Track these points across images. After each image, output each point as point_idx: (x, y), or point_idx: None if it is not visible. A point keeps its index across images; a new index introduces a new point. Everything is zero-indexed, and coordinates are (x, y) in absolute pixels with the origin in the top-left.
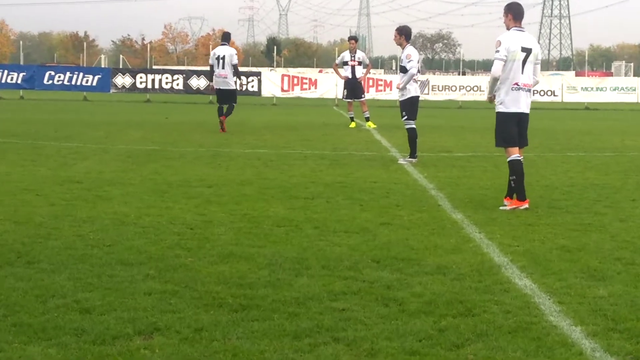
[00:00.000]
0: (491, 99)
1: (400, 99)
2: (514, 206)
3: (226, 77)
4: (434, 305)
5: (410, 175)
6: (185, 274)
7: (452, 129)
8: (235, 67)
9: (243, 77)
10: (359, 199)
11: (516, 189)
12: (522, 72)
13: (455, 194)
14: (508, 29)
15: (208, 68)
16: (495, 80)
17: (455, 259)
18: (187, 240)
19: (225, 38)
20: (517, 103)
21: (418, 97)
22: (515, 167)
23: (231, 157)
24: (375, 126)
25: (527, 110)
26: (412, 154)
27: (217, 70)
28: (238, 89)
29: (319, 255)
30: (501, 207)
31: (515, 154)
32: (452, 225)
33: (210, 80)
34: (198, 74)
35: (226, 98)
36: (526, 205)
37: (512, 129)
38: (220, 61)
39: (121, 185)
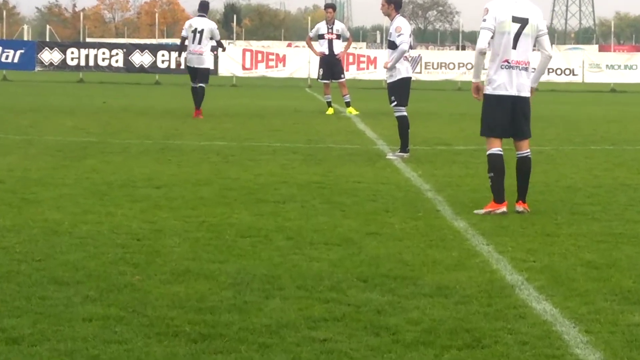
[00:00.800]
0: (478, 86)
1: (388, 81)
2: (489, 209)
3: (202, 54)
4: (435, 334)
5: (401, 173)
6: (132, 296)
7: (451, 116)
8: (219, 42)
9: None
10: (340, 203)
11: (494, 189)
12: (515, 47)
13: (456, 197)
14: None
15: (170, 41)
16: (481, 55)
17: (459, 278)
18: (134, 253)
19: (203, 8)
20: (508, 84)
21: (410, 78)
22: (495, 163)
23: (184, 151)
24: (357, 113)
25: (523, 93)
26: (403, 148)
27: (192, 46)
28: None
29: (293, 272)
30: (475, 211)
31: (496, 146)
32: (454, 235)
33: (179, 55)
34: (142, 48)
35: (197, 77)
36: (504, 209)
37: (499, 115)
38: (197, 35)
39: (52, 186)
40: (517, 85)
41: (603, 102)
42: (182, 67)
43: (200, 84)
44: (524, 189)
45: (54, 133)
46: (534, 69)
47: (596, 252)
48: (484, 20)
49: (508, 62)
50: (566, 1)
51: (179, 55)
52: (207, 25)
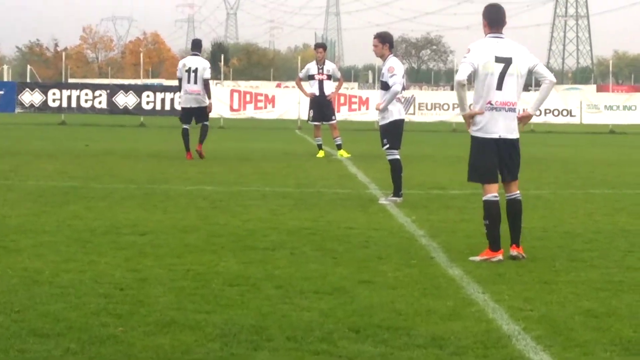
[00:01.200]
0: (469, 115)
1: (380, 123)
2: (485, 257)
3: (199, 94)
4: None
5: (394, 219)
6: (115, 348)
7: (446, 159)
8: (206, 82)
9: None
10: (332, 250)
11: (489, 236)
12: (501, 88)
13: (451, 243)
14: (485, 36)
15: (155, 81)
16: (461, 88)
17: (454, 328)
18: (117, 304)
19: (196, 46)
20: (493, 126)
21: (403, 120)
22: (490, 209)
23: (170, 196)
24: (349, 155)
25: (510, 135)
26: (397, 192)
27: (187, 86)
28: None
29: (283, 322)
30: (470, 258)
31: (491, 192)
32: (449, 283)
33: (178, 96)
34: (126, 89)
35: (197, 117)
36: (500, 257)
37: (487, 159)
38: (192, 74)
39: (32, 233)
40: (503, 127)
41: (602, 143)
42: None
43: (204, 123)
44: (516, 232)
45: (34, 177)
46: (525, 110)
47: (595, 301)
48: (465, 57)
49: (491, 104)
50: (563, 40)
51: (180, 97)
52: (201, 64)
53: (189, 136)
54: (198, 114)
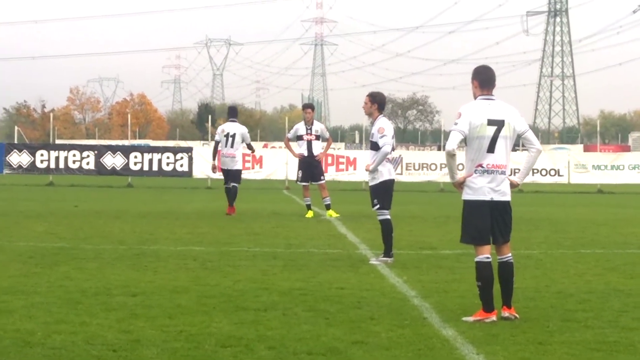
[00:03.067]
0: (459, 182)
1: (370, 184)
2: (479, 318)
3: (234, 157)
4: None
5: (386, 279)
6: None
7: (435, 219)
8: (249, 145)
9: (170, 154)
10: (324, 311)
11: (482, 297)
12: (493, 151)
13: (444, 304)
14: (475, 98)
15: (142, 142)
16: (450, 157)
17: None
18: None
19: (233, 113)
20: (486, 189)
21: (393, 180)
22: (483, 271)
23: (160, 256)
24: (338, 215)
25: (503, 198)
26: (387, 252)
27: (225, 149)
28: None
29: None
30: (464, 318)
31: (484, 253)
32: (443, 344)
33: (214, 158)
34: (113, 150)
35: (232, 178)
36: (493, 318)
37: (478, 221)
38: (230, 139)
39: (23, 295)
40: (495, 189)
41: (590, 203)
42: (215, 171)
43: (234, 184)
44: (508, 294)
45: (24, 238)
46: (517, 169)
47: None
48: (456, 123)
49: (482, 167)
50: (549, 100)
51: (213, 159)
52: (239, 130)
53: (230, 193)
54: (232, 176)
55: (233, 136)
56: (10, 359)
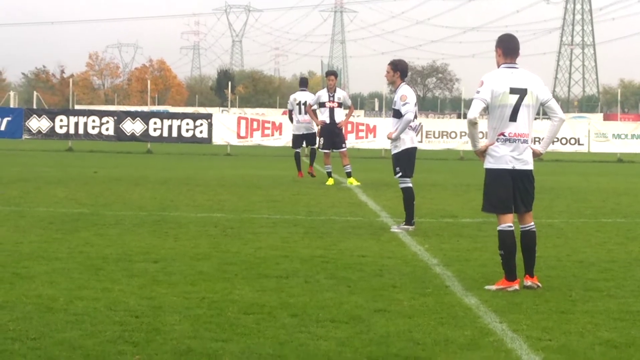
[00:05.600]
0: (481, 151)
1: (392, 152)
2: (501, 286)
3: (309, 123)
4: None
5: (407, 247)
6: None
7: (455, 187)
8: (314, 111)
9: (190, 121)
10: (346, 279)
11: (505, 266)
12: (515, 120)
13: (465, 272)
14: (498, 66)
15: (162, 108)
16: (472, 126)
17: (473, 357)
18: (132, 332)
19: (303, 83)
20: (508, 158)
21: (415, 148)
22: (505, 240)
23: (180, 223)
24: (359, 183)
25: (525, 166)
26: (409, 220)
27: (299, 116)
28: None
29: (300, 351)
30: (486, 287)
31: (506, 222)
32: (466, 312)
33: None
34: (133, 116)
35: (308, 141)
36: (516, 287)
37: (500, 190)
38: (302, 107)
39: (45, 260)
40: (517, 158)
41: (611, 172)
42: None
43: (313, 147)
44: (530, 263)
45: (45, 204)
46: (539, 138)
47: (614, 331)
48: (478, 92)
49: (505, 135)
50: (569, 68)
51: (293, 125)
52: (310, 97)
53: (300, 158)
54: (309, 139)
55: (305, 104)
56: (34, 324)
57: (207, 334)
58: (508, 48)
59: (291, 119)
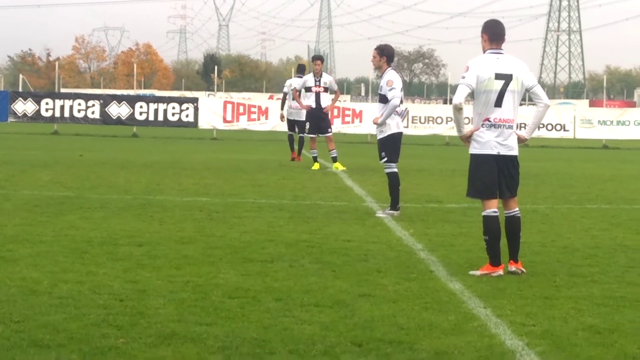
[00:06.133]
0: (466, 137)
1: (378, 137)
2: (486, 272)
3: (302, 110)
4: None
5: (392, 232)
6: None
7: (441, 172)
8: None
9: (176, 105)
10: (331, 263)
11: (489, 252)
12: (501, 105)
13: (450, 257)
14: (484, 52)
15: (148, 92)
16: (457, 111)
17: (457, 342)
18: (117, 315)
19: (301, 70)
20: (493, 143)
21: (400, 133)
22: (490, 225)
23: (165, 207)
24: (344, 168)
25: (510, 152)
26: (394, 205)
27: (293, 102)
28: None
29: (284, 336)
30: (471, 272)
31: (491, 208)
32: (450, 297)
33: (282, 108)
34: (119, 99)
35: (300, 128)
36: (500, 272)
37: (485, 175)
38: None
39: (29, 243)
40: (502, 143)
41: (596, 158)
42: (282, 119)
43: (301, 134)
44: (515, 249)
45: (30, 187)
46: (524, 124)
47: (598, 316)
48: (463, 77)
49: (490, 121)
50: (555, 55)
51: (282, 109)
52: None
53: (293, 141)
54: (300, 126)
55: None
56: (17, 307)
57: (191, 318)
58: (494, 34)
59: (283, 103)
